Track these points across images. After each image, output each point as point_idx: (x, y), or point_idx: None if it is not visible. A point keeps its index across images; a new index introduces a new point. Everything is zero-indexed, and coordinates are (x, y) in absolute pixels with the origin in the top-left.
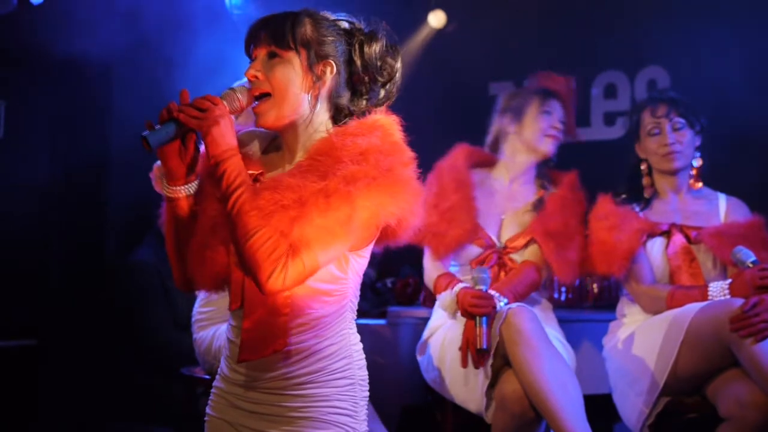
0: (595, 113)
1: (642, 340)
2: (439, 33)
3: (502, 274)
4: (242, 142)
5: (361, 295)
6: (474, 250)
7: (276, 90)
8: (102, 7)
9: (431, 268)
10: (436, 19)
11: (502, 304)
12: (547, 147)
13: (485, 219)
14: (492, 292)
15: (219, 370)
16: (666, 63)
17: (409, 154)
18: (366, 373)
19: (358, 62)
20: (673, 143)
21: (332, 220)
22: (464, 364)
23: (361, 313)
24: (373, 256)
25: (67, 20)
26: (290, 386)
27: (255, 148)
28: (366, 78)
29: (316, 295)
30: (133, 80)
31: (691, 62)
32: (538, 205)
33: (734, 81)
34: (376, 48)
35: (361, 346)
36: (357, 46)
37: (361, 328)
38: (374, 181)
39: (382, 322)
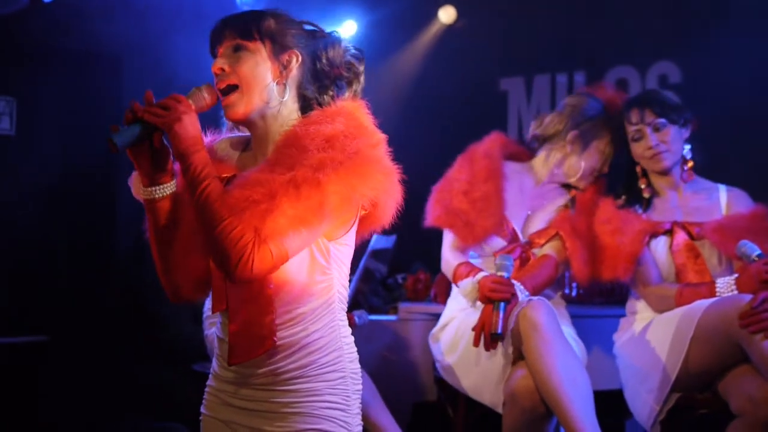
0: None
1: (652, 336)
2: (449, 29)
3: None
4: (217, 150)
5: (372, 291)
6: (498, 242)
7: (243, 80)
8: (111, 3)
9: (451, 256)
10: (446, 14)
11: (524, 296)
12: (585, 183)
13: (512, 212)
14: (517, 283)
15: (211, 368)
16: (677, 58)
17: (378, 135)
18: (358, 366)
19: (324, 59)
20: (656, 144)
21: (304, 209)
22: (476, 343)
23: (373, 309)
24: (384, 252)
25: (76, 17)
26: (280, 381)
27: (230, 153)
28: (332, 73)
29: (301, 288)
30: (143, 76)
31: (702, 57)
32: (571, 204)
33: (746, 75)
34: (339, 49)
35: (352, 339)
36: (321, 46)
37: (372, 324)
38: (341, 165)
39: (393, 318)
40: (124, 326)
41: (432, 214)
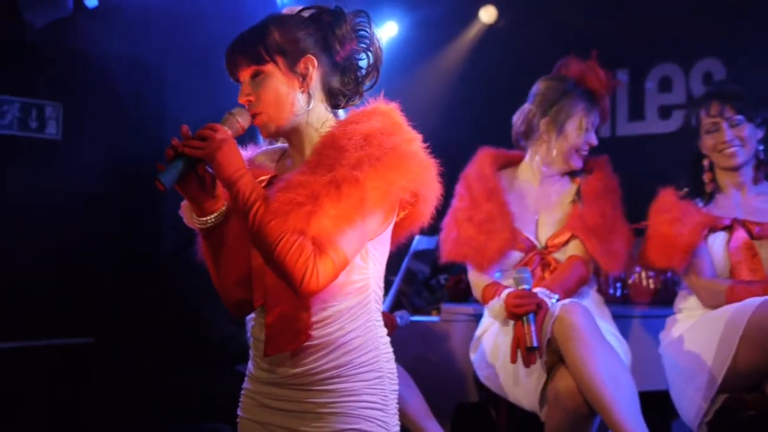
0: (649, 107)
1: (700, 335)
2: (490, 29)
3: (547, 274)
4: (255, 161)
5: (415, 292)
6: (516, 256)
7: (269, 105)
8: (155, 9)
9: (477, 281)
10: (487, 14)
11: (553, 300)
12: (578, 163)
13: (521, 221)
14: (542, 290)
15: (247, 370)
16: (722, 55)
17: (413, 133)
18: (395, 365)
19: (336, 45)
20: (731, 140)
21: (346, 207)
22: (513, 360)
23: (415, 309)
24: (427, 252)
25: (121, 23)
26: (317, 381)
27: (269, 161)
28: (347, 52)
29: (338, 286)
30: (187, 82)
31: (747, 54)
32: (577, 197)
33: None
34: (345, 23)
35: (388, 338)
36: (329, 33)
37: (414, 325)
38: (378, 161)
39: (435, 318)
40: (168, 328)
41: (444, 250)
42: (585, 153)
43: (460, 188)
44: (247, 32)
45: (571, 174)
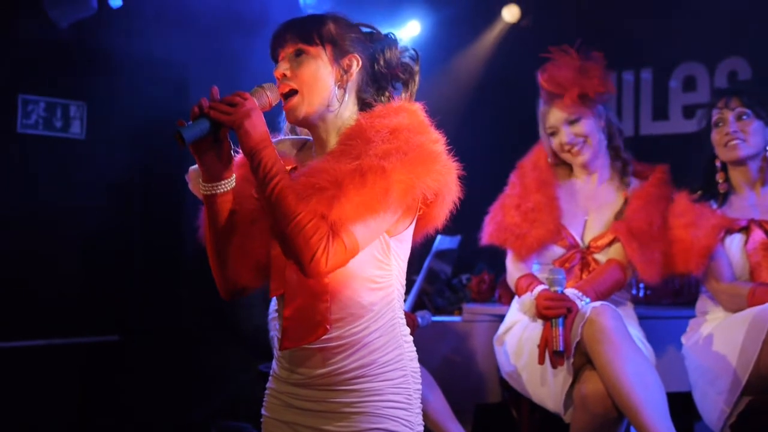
0: (673, 106)
1: (723, 337)
2: (513, 27)
3: (585, 274)
4: (278, 147)
5: (437, 292)
6: (557, 251)
7: (305, 84)
8: (179, 9)
9: (513, 270)
10: (510, 13)
11: (584, 303)
12: (573, 161)
13: (569, 219)
14: (574, 291)
15: (271, 370)
16: (747, 54)
17: (437, 134)
18: (417, 364)
19: (381, 61)
20: (734, 131)
21: (370, 196)
22: (541, 361)
23: (438, 309)
24: (449, 252)
25: (145, 22)
26: (342, 381)
27: (288, 150)
28: (389, 75)
29: (362, 282)
30: (209, 81)
31: None
32: (623, 206)
33: None
34: (395, 51)
35: (411, 338)
36: (379, 48)
37: (436, 325)
38: (406, 156)
39: (457, 319)
40: (196, 324)
41: (486, 232)
42: (569, 151)
43: (513, 176)
44: (303, 17)
45: (624, 183)
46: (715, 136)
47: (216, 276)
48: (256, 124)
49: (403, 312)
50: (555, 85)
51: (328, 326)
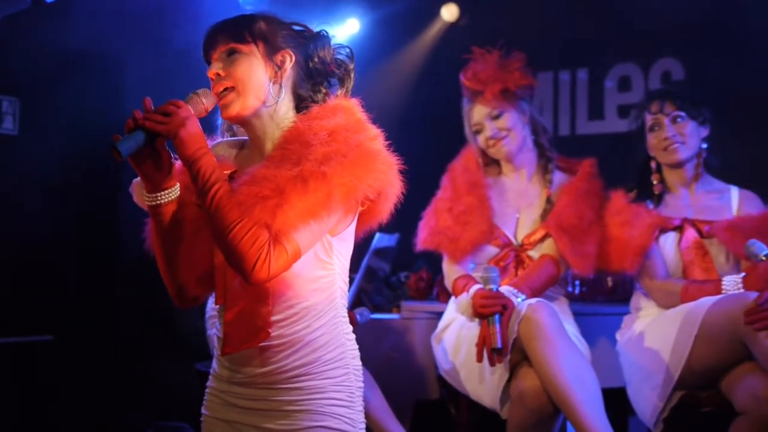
0: (608, 106)
1: (656, 333)
2: (452, 26)
3: (520, 271)
4: (214, 152)
5: (375, 290)
6: (491, 250)
7: (239, 82)
8: (114, 3)
9: (450, 272)
10: (449, 12)
11: (519, 299)
12: (497, 154)
13: (501, 218)
14: (509, 288)
15: (211, 368)
16: (680, 54)
17: (375, 130)
18: (360, 363)
19: (315, 57)
20: (673, 135)
21: (312, 202)
22: (479, 359)
23: (376, 307)
24: (388, 250)
25: (79, 17)
26: (284, 379)
27: (227, 154)
28: (324, 71)
29: (305, 283)
30: (145, 75)
31: (705, 53)
32: (546, 204)
33: (749, 73)
34: (329, 48)
35: (353, 336)
36: (312, 45)
37: (375, 323)
38: (345, 158)
39: (396, 316)
40: (132, 325)
41: (420, 238)
42: (494, 146)
43: (444, 179)
44: (233, 17)
45: (546, 181)
46: (653, 140)
47: (168, 285)
48: (192, 133)
49: None
50: (476, 81)
51: (269, 330)
